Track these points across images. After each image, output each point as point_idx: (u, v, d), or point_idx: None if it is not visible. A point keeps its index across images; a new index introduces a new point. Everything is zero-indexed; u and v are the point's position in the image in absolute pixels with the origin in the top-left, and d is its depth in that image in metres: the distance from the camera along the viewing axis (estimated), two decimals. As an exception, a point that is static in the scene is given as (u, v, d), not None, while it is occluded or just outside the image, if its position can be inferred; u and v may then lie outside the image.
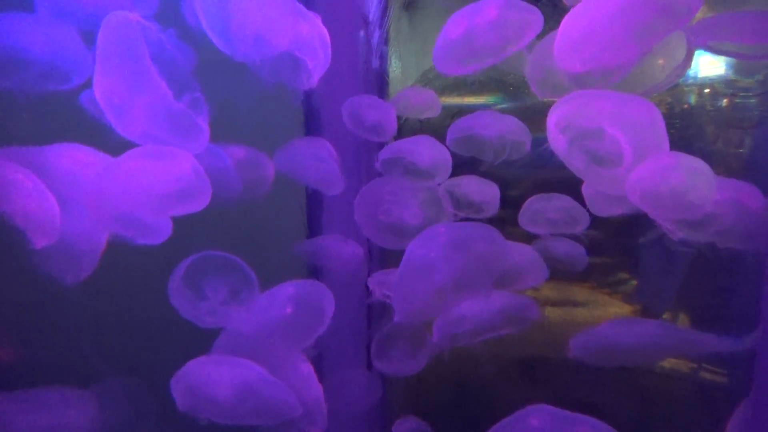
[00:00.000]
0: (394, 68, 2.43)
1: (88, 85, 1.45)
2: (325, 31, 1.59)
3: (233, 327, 1.61)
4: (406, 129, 2.47)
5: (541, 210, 1.92)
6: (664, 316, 2.40)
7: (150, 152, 1.43)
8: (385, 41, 2.34)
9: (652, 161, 1.27)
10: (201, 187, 1.46)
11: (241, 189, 1.79)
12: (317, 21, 1.58)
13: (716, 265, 2.02)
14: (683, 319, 2.36)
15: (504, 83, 2.41)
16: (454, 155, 1.94)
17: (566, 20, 1.28)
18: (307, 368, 1.68)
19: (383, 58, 2.38)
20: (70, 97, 1.51)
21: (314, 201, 2.31)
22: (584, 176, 1.42)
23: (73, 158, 1.51)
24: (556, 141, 1.34)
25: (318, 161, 1.95)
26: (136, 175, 1.42)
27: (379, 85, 2.38)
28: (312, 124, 2.24)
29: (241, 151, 1.91)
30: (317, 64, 1.59)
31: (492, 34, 1.48)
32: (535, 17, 1.45)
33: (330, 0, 1.76)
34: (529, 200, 1.97)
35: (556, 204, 1.91)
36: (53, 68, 1.47)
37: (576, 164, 1.34)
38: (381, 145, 2.32)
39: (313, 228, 2.30)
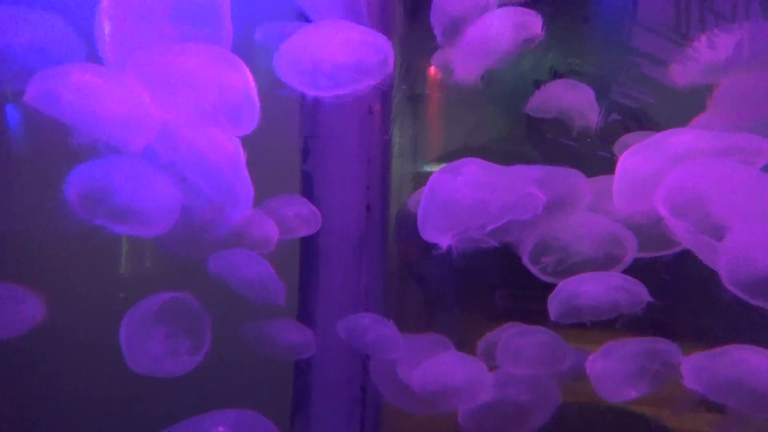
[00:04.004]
0: (397, 156, 2.44)
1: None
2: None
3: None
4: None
5: (522, 348, 1.73)
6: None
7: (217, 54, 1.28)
8: (389, 130, 2.36)
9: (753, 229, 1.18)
10: (250, 108, 1.32)
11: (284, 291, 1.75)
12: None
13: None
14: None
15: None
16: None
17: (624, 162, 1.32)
18: None
19: (386, 146, 2.38)
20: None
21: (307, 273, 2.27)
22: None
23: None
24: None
25: (378, 328, 1.88)
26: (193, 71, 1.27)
27: (382, 173, 2.37)
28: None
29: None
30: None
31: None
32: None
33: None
34: (504, 337, 1.76)
35: (538, 339, 1.73)
36: (38, 64, 1.31)
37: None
38: (382, 228, 2.32)
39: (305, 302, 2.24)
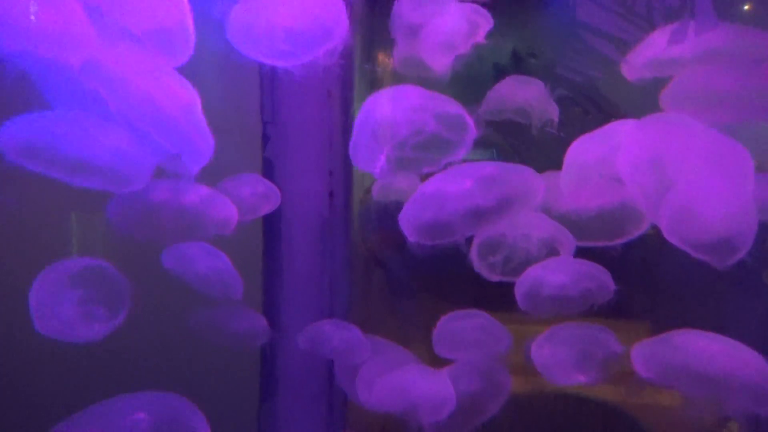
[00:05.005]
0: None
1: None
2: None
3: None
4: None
5: (459, 331, 1.68)
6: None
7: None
8: (351, 119, 2.32)
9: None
10: (184, 36, 1.21)
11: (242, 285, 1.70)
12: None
13: None
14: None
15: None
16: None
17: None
18: None
19: (347, 131, 2.34)
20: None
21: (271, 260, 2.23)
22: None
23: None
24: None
25: (341, 333, 1.85)
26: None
27: (344, 159, 2.34)
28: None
29: (204, 190, 1.72)
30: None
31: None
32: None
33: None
34: (441, 321, 1.72)
35: (475, 323, 1.67)
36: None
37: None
38: (346, 215, 2.29)
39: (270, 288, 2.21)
